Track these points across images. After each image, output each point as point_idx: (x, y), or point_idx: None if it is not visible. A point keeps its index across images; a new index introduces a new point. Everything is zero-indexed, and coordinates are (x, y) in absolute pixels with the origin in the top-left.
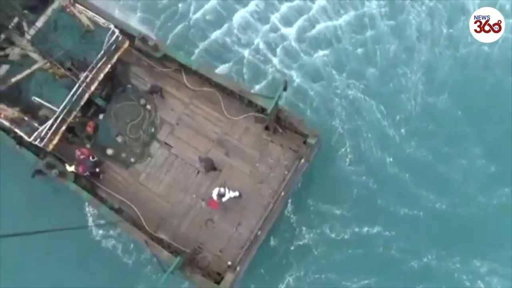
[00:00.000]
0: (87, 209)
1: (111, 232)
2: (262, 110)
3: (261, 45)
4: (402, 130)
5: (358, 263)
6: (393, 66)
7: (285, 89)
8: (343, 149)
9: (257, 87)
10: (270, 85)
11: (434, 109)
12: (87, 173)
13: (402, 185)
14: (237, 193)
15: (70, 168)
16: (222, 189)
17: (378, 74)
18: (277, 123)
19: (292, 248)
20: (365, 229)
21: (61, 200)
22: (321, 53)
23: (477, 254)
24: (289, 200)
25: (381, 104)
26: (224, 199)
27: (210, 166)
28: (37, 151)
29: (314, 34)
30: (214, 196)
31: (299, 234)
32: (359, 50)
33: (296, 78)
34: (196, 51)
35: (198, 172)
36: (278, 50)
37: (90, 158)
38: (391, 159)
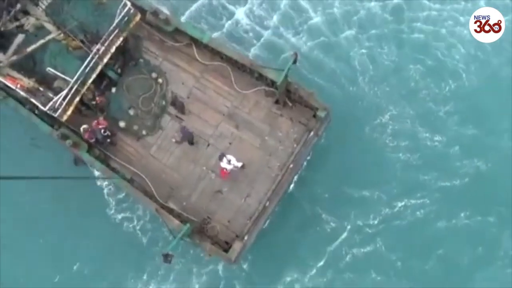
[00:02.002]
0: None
1: (128, 213)
2: (272, 84)
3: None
4: (447, 106)
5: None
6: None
7: (295, 62)
8: (374, 121)
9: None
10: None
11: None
12: (93, 139)
13: (439, 155)
14: (240, 163)
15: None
16: (229, 156)
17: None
18: (287, 96)
19: (311, 234)
20: (399, 204)
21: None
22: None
23: None
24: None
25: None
26: (230, 167)
27: (188, 139)
28: (52, 122)
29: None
30: (224, 164)
31: (323, 219)
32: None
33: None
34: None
35: (208, 145)
36: (297, 22)
37: (102, 131)
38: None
